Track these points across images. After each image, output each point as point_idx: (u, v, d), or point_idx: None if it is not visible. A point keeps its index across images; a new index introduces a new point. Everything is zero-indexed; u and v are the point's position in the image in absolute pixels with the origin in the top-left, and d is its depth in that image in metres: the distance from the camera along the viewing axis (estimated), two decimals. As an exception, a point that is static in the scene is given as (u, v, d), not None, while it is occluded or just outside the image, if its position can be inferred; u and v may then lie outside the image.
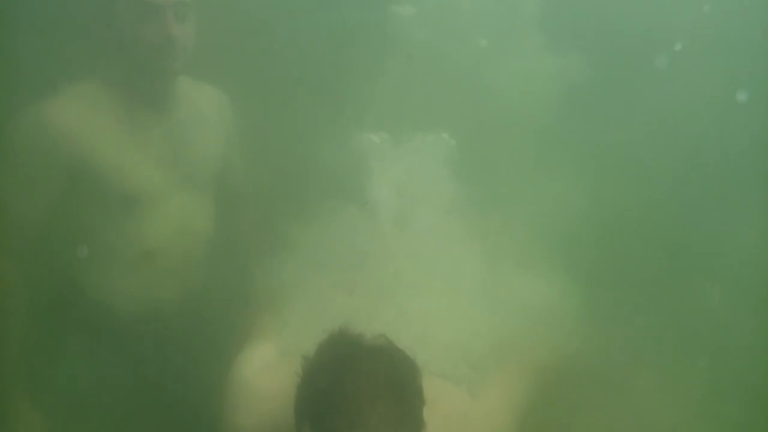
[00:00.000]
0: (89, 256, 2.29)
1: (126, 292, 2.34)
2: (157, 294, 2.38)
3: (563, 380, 2.15)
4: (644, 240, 2.55)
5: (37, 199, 2.21)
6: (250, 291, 2.26)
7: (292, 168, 2.59)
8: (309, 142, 2.46)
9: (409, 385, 1.60)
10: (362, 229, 2.11)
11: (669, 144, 2.54)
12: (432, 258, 2.11)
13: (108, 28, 2.22)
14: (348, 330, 1.65)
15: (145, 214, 2.32)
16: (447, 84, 2.45)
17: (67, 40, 2.34)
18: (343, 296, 2.02)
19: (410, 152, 2.20)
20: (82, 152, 2.21)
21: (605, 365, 2.27)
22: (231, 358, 2.01)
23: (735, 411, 2.32)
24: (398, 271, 2.06)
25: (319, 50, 2.67)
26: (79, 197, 2.25)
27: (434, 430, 1.63)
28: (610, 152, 2.53)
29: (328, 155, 2.23)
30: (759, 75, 2.58)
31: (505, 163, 2.43)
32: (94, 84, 2.28)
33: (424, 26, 2.46)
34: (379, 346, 1.64)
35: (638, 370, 2.34)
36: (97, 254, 2.30)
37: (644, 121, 2.53)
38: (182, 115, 2.39)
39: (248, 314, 2.21)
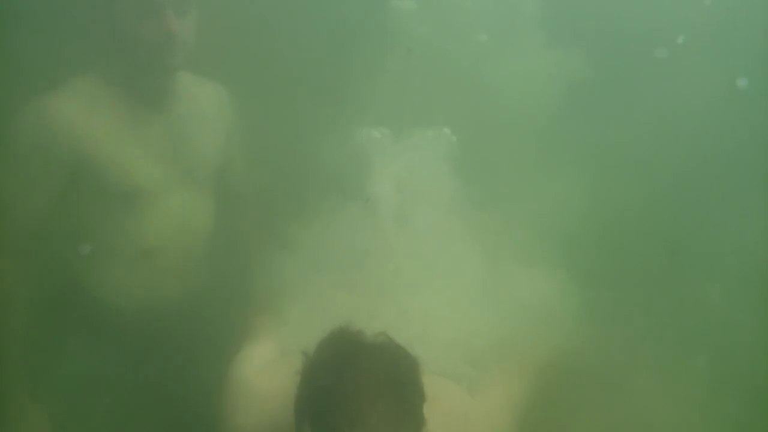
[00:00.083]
0: (89, 253, 2.29)
1: (126, 289, 2.34)
2: (157, 291, 2.38)
3: (563, 379, 2.15)
4: (645, 238, 2.55)
5: (37, 196, 2.21)
6: (250, 288, 2.25)
7: (292, 164, 2.59)
8: (309, 138, 2.45)
9: (409, 383, 1.60)
10: (362, 227, 2.11)
11: (670, 142, 2.53)
12: (432, 256, 2.11)
13: (108, 24, 2.21)
14: (348, 328, 1.65)
15: (145, 211, 2.31)
16: (447, 80, 2.44)
17: (68, 36, 2.33)
18: (343, 294, 2.01)
19: (411, 148, 2.20)
20: (83, 149, 2.20)
21: (605, 364, 2.27)
22: (231, 355, 2.01)
23: (735, 409, 2.31)
24: (398, 269, 2.06)
25: (319, 46, 2.66)
26: (79, 194, 2.24)
27: (434, 428, 1.63)
28: (611, 150, 2.52)
29: (329, 151, 2.22)
30: (761, 70, 2.57)
31: (505, 160, 2.43)
32: (94, 80, 2.27)
33: (425, 21, 2.45)
34: (380, 344, 1.64)
35: (638, 369, 2.34)
36: (97, 251, 2.29)
37: (645, 118, 2.52)
38: (182, 112, 2.38)
39: (248, 312, 2.21)
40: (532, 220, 2.28)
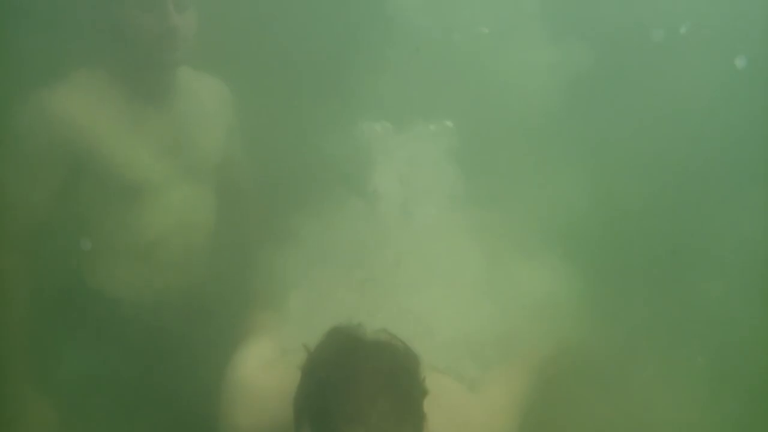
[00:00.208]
0: (91, 248, 2.29)
1: (127, 283, 2.34)
2: (158, 286, 2.38)
3: (564, 375, 2.15)
4: (647, 233, 2.54)
5: (38, 191, 2.21)
6: (252, 284, 2.25)
7: (293, 158, 2.59)
8: (310, 132, 2.45)
9: (410, 380, 1.59)
10: (364, 221, 2.10)
11: (672, 135, 2.53)
12: (434, 251, 2.09)
13: (109, 19, 2.21)
14: (349, 324, 1.65)
15: (147, 206, 2.31)
16: (450, 73, 2.43)
17: (69, 31, 2.33)
18: (344, 290, 2.00)
19: (413, 141, 2.18)
20: (84, 144, 2.21)
21: (606, 360, 2.27)
22: (232, 350, 2.00)
23: (736, 404, 2.31)
24: (400, 264, 2.05)
25: (320, 39, 2.66)
26: (81, 189, 2.25)
27: (435, 425, 1.63)
28: (613, 144, 2.52)
29: (330, 145, 2.21)
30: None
31: (508, 154, 2.42)
32: (96, 75, 2.27)
33: (427, 15, 2.44)
34: (381, 341, 1.63)
35: (640, 365, 2.34)
36: (98, 246, 2.30)
37: (647, 111, 2.52)
38: (183, 107, 2.37)
39: (250, 308, 2.21)
40: (535, 214, 2.27)
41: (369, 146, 2.15)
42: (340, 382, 1.55)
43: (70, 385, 2.26)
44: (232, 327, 2.16)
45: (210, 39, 2.30)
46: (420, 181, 2.14)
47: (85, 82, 2.25)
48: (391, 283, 2.01)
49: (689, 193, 2.58)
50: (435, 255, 2.06)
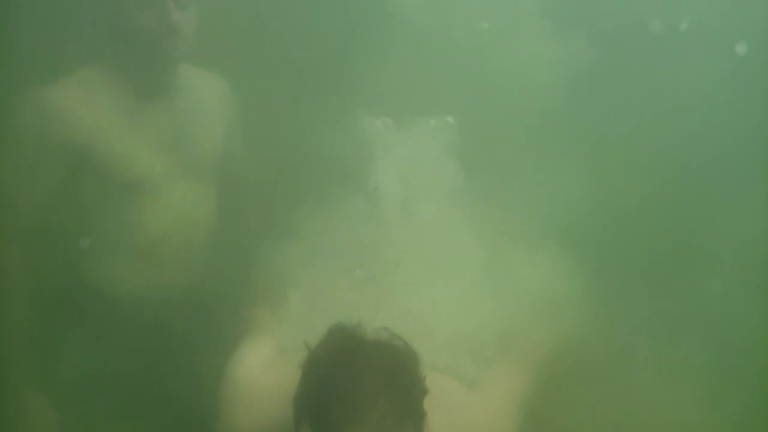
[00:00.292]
0: (91, 245, 2.30)
1: (127, 280, 2.34)
2: (159, 282, 2.38)
3: (565, 372, 2.15)
4: (648, 230, 2.54)
5: (39, 188, 2.21)
6: (252, 281, 2.25)
7: (293, 154, 2.58)
8: (311, 128, 2.45)
9: (411, 380, 1.59)
10: (365, 217, 2.10)
11: (673, 131, 2.52)
12: (435, 248, 2.09)
13: (109, 15, 2.21)
14: (350, 323, 1.64)
15: (147, 203, 2.31)
16: (450, 68, 2.43)
17: (69, 27, 2.33)
18: (344, 287, 2.00)
19: (413, 137, 2.18)
20: (84, 140, 2.21)
21: (607, 357, 2.26)
22: (232, 348, 2.00)
23: (737, 401, 2.31)
24: (400, 261, 2.04)
25: (320, 35, 2.65)
26: (81, 186, 2.25)
27: (436, 423, 1.62)
28: (614, 140, 2.52)
29: (330, 141, 2.21)
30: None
31: (509, 150, 2.42)
32: (96, 72, 2.27)
33: (427, 10, 2.44)
34: (382, 340, 1.62)
35: (640, 362, 2.34)
36: (98, 243, 2.30)
37: (648, 106, 2.50)
38: (183, 103, 2.37)
39: (250, 305, 2.21)
40: (535, 211, 2.26)
41: (369, 142, 2.14)
42: (340, 380, 1.54)
43: (70, 382, 2.26)
44: (232, 324, 2.16)
45: (210, 36, 2.30)
46: (421, 177, 2.13)
47: (86, 79, 2.25)
48: (392, 281, 2.00)
49: (690, 190, 2.57)
50: (435, 252, 2.06)
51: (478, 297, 2.05)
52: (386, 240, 2.07)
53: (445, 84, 2.38)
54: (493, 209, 2.21)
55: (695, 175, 2.56)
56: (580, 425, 2.21)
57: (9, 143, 2.19)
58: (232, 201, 2.55)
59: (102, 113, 2.24)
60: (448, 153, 2.14)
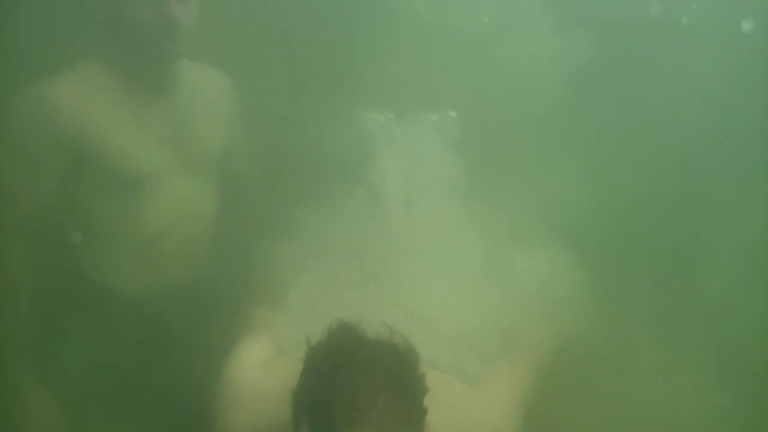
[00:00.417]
0: (91, 240, 2.29)
1: (128, 275, 2.34)
2: (159, 278, 2.38)
3: (567, 368, 2.15)
4: (650, 226, 2.54)
5: (39, 183, 2.20)
6: (252, 276, 2.24)
7: (294, 149, 2.58)
8: (312, 123, 2.45)
9: (412, 377, 1.58)
10: (366, 213, 2.09)
11: (675, 127, 2.52)
12: (436, 244, 2.08)
13: (110, 9, 2.20)
14: (351, 320, 1.63)
15: (147, 199, 2.30)
16: (452, 63, 2.43)
17: (68, 21, 2.33)
18: (345, 285, 2.00)
19: (415, 131, 2.18)
20: (84, 135, 2.20)
21: (608, 354, 2.26)
22: (232, 346, 2.00)
23: (737, 399, 2.31)
24: (402, 259, 2.04)
25: (321, 29, 2.65)
26: (81, 181, 2.24)
27: (437, 422, 1.62)
28: (617, 135, 2.51)
29: (332, 136, 2.21)
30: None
31: (510, 145, 2.42)
32: (96, 66, 2.26)
33: (429, 4, 2.43)
34: (382, 338, 1.62)
35: (641, 360, 2.34)
36: (98, 239, 2.30)
37: (650, 102, 2.51)
38: (184, 98, 2.37)
39: (250, 302, 2.20)
40: (536, 207, 2.27)
41: (371, 137, 2.14)
42: (340, 379, 1.53)
43: (70, 378, 2.24)
44: (232, 322, 2.15)
45: (211, 30, 2.29)
46: (422, 172, 2.13)
47: (86, 73, 2.24)
48: (393, 279, 2.00)
49: (692, 186, 2.57)
50: (437, 250, 2.06)
51: (479, 295, 2.05)
52: (388, 236, 2.07)
53: (447, 79, 2.39)
54: (494, 206, 2.21)
55: (697, 171, 2.57)
56: (580, 423, 2.21)
57: (9, 139, 2.17)
58: (233, 197, 2.54)
59: (102, 108, 2.23)
60: (450, 148, 2.13)
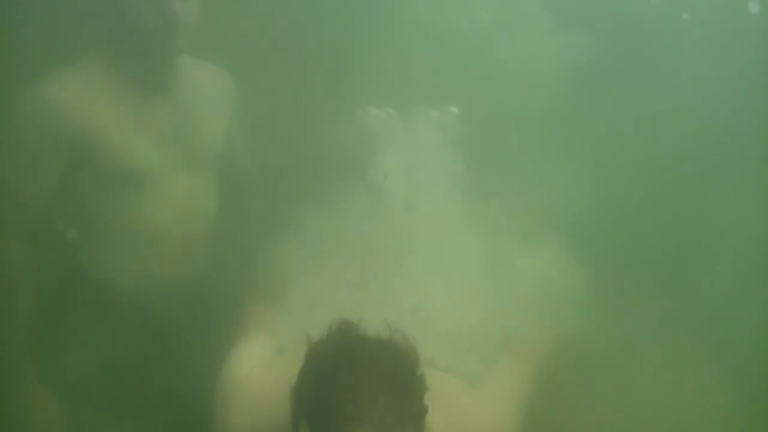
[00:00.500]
0: (92, 239, 2.29)
1: (128, 273, 2.33)
2: (159, 276, 2.37)
3: (567, 368, 2.15)
4: (650, 226, 2.54)
5: (39, 181, 2.19)
6: (253, 275, 2.24)
7: (295, 146, 2.58)
8: (313, 120, 2.45)
9: (412, 376, 1.58)
10: (368, 210, 2.09)
11: (675, 126, 2.52)
12: (436, 243, 2.08)
13: (111, 7, 2.19)
14: (351, 319, 1.64)
15: (148, 196, 2.30)
16: (453, 60, 2.43)
17: (69, 18, 2.32)
18: (346, 284, 2.00)
19: (416, 128, 2.17)
20: (85, 133, 2.19)
21: (609, 353, 2.26)
22: (232, 345, 2.00)
23: (738, 398, 2.31)
24: (403, 258, 2.04)
25: (323, 26, 2.65)
26: (82, 178, 2.23)
27: (437, 421, 1.63)
28: (617, 134, 2.51)
29: (333, 132, 2.21)
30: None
31: (510, 143, 2.42)
32: (97, 64, 2.25)
33: (430, 1, 2.43)
34: (382, 338, 1.62)
35: (642, 359, 2.34)
36: (99, 236, 2.29)
37: (651, 101, 2.51)
38: (185, 95, 2.36)
39: (250, 301, 2.20)
40: (536, 206, 2.26)
41: (373, 133, 2.13)
42: (340, 378, 1.53)
43: (71, 376, 2.24)
44: (232, 321, 2.15)
45: (212, 27, 2.28)
46: (423, 169, 2.13)
47: (86, 71, 2.23)
48: (394, 278, 2.00)
49: (692, 186, 2.57)
50: (438, 249, 2.06)
51: (480, 295, 2.05)
52: (389, 234, 2.07)
53: (448, 76, 2.39)
54: (494, 205, 2.20)
55: (697, 170, 2.57)
56: (580, 423, 2.21)
57: (9, 137, 2.17)
58: (233, 195, 2.54)
59: (103, 106, 2.22)
60: (451, 144, 2.13)
